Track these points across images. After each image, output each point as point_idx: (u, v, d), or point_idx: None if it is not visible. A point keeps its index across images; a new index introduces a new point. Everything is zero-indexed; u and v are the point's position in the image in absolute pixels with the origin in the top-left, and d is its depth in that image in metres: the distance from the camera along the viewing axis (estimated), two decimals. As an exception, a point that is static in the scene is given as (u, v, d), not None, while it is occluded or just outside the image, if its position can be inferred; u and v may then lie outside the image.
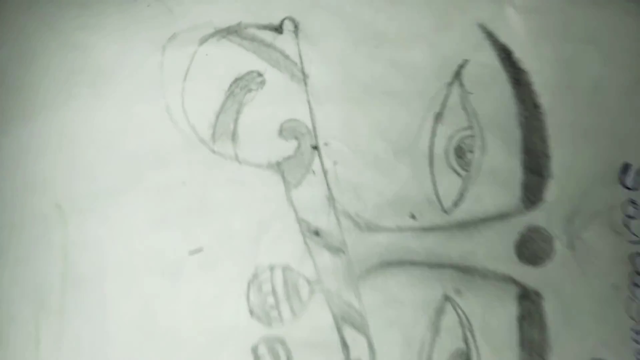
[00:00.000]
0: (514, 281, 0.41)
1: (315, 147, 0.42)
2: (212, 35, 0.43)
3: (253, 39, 0.43)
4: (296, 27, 0.43)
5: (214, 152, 0.42)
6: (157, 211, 0.41)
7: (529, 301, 0.41)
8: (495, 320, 0.41)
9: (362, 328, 0.41)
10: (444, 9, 0.42)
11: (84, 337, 0.39)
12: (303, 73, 0.42)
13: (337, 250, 0.42)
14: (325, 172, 0.42)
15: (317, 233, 0.42)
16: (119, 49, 0.42)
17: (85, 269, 0.40)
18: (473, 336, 0.41)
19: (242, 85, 0.42)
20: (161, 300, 0.40)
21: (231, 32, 0.43)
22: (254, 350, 0.41)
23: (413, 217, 0.43)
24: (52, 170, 0.41)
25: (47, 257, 0.40)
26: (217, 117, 0.43)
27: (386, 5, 0.42)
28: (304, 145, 0.42)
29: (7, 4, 0.41)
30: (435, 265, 0.42)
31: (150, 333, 0.40)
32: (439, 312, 0.42)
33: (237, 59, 0.42)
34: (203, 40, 0.42)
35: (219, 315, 0.41)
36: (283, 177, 0.42)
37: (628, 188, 0.41)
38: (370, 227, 0.42)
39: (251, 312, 0.41)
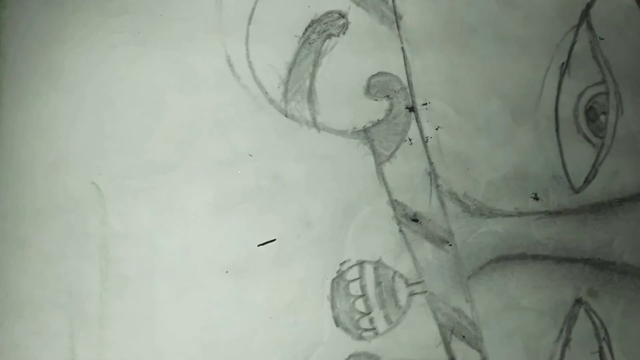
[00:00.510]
0: None
1: (412, 109, 0.36)
2: (282, -34, 0.33)
3: (333, -30, 0.35)
4: (386, -46, 0.34)
5: (286, 115, 0.32)
6: (218, 192, 0.33)
7: None
8: (637, 329, 0.36)
9: (474, 342, 0.35)
10: None
11: (128, 352, 0.29)
12: (395, 13, 0.36)
13: (441, 241, 0.35)
14: (425, 141, 0.36)
15: (415, 219, 0.35)
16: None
17: (129, 267, 0.31)
18: (610, 350, 0.37)
19: (320, 30, 0.35)
20: (224, 307, 0.33)
21: (306, -39, 0.33)
22: None
23: (536, 198, 0.37)
24: (87, 142, 0.31)
25: (83, 252, 0.31)
26: (290, 71, 0.35)
27: None
28: (398, 106, 0.36)
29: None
30: (565, 259, 0.37)
31: (210, 348, 0.33)
32: (570, 319, 0.37)
33: (314, -4, 0.33)
34: (271, -27, 0.34)
35: (296, 327, 0.32)
36: (372, 148, 0.34)
37: None
38: (483, 212, 0.36)
39: (336, 322, 0.33)
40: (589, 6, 0.38)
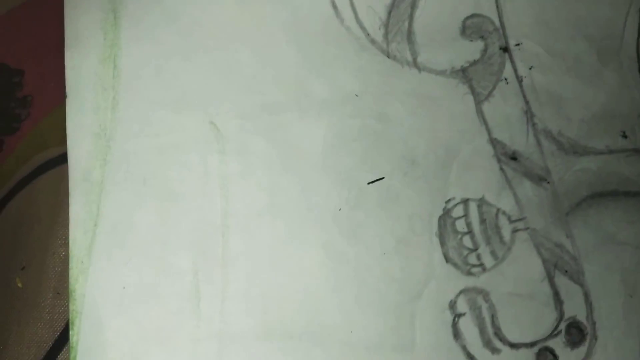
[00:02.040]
0: None
1: (506, 49, 0.36)
2: None
3: None
4: None
5: (388, 56, 0.32)
6: (328, 132, 0.32)
7: None
8: None
9: (576, 276, 0.35)
10: None
11: (251, 289, 0.29)
12: None
13: (539, 179, 0.33)
14: (519, 80, 0.36)
15: (514, 157, 0.33)
16: None
17: (248, 206, 0.30)
18: None
19: None
20: (338, 243, 0.32)
21: None
22: (452, 306, 0.31)
23: (624, 136, 0.37)
24: (203, 84, 0.31)
25: (204, 191, 0.30)
26: (389, 12, 0.34)
27: None
28: (492, 47, 0.36)
29: None
30: None
31: (327, 282, 0.33)
32: None
33: None
34: None
35: (407, 262, 0.31)
36: (471, 87, 0.33)
37: None
38: (576, 149, 0.37)
39: (446, 258, 0.32)
40: None
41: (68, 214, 0.31)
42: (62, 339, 0.31)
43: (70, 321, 0.29)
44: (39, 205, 0.34)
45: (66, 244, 0.31)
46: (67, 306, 0.31)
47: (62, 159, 0.33)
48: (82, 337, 0.29)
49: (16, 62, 0.35)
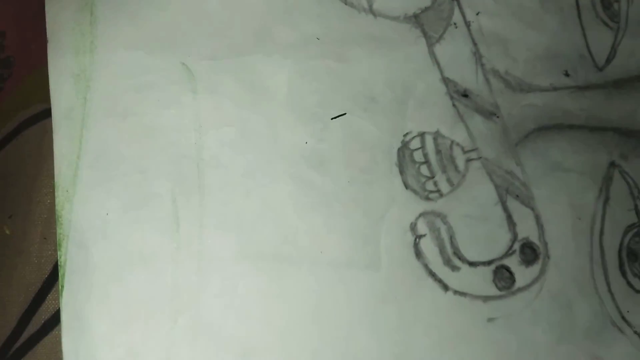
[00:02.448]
0: None
1: None
2: None
3: None
4: None
5: (346, 3, 0.36)
6: (293, 69, 0.35)
7: None
8: None
9: (527, 200, 0.38)
10: None
11: (226, 216, 0.32)
12: None
13: (489, 113, 0.36)
14: (467, 24, 0.38)
15: (465, 94, 0.36)
16: None
17: (221, 139, 0.34)
18: None
19: None
20: (306, 173, 0.35)
21: None
22: (413, 228, 0.34)
23: (567, 74, 0.40)
24: (175, 27, 0.34)
25: (179, 125, 0.33)
26: None
27: None
28: None
29: None
30: (596, 128, 0.40)
31: (296, 209, 0.35)
32: (607, 179, 0.39)
33: None
34: None
35: (370, 188, 0.34)
36: (423, 31, 0.37)
37: None
38: (523, 87, 0.40)
39: (405, 185, 0.35)
40: None
41: (51, 164, 0.33)
42: (50, 281, 0.34)
43: (57, 243, 0.32)
44: (24, 158, 0.36)
45: (50, 192, 0.34)
46: (54, 250, 0.33)
47: (45, 114, 0.36)
48: (69, 258, 0.31)
49: (-3, 24, 0.38)
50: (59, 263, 0.31)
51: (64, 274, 0.31)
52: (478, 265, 0.36)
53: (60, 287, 0.31)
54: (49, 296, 0.33)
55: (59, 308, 0.31)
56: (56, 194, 0.32)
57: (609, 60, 0.40)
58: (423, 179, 0.36)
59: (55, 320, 0.32)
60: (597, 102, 0.40)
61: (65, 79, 0.34)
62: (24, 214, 0.34)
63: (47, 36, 0.34)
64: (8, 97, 0.37)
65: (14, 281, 0.33)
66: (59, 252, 0.31)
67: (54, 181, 0.33)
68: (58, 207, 0.32)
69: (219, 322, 0.32)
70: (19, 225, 0.34)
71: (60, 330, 0.31)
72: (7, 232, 0.33)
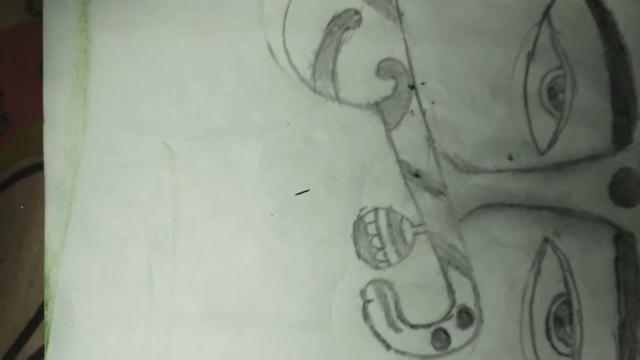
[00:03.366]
0: (609, 223, 0.41)
1: (413, 87, 0.42)
2: (310, -29, 0.42)
3: (349, -25, 0.42)
4: (390, -37, 0.43)
5: (314, 91, 0.41)
6: (263, 152, 0.40)
7: (624, 243, 0.41)
8: (592, 262, 0.41)
9: (466, 271, 0.41)
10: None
11: (195, 279, 0.37)
12: (398, 11, 0.42)
13: (437, 192, 0.41)
14: (423, 112, 0.43)
15: (417, 175, 0.41)
16: (220, -16, 0.41)
17: (195, 211, 0.39)
18: (572, 278, 0.41)
19: (340, 24, 0.42)
20: (271, 243, 0.40)
21: (329, -32, 0.42)
22: (363, 294, 0.39)
23: (510, 158, 0.43)
24: (159, 110, 0.39)
25: (158, 199, 0.38)
26: (317, 56, 0.42)
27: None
28: (402, 85, 0.43)
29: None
30: (534, 207, 0.42)
31: (260, 275, 0.40)
32: (540, 254, 0.42)
33: (335, -5, 0.40)
34: (302, -24, 0.42)
35: (327, 258, 0.40)
36: (382, 118, 0.42)
37: None
38: (469, 169, 0.42)
39: (358, 255, 0.41)
40: (549, 6, 0.42)
41: (41, 214, 0.38)
42: (35, 321, 0.38)
43: (45, 303, 0.37)
44: (15, 207, 0.40)
45: (39, 241, 0.38)
46: (40, 293, 0.37)
47: (36, 167, 0.40)
48: (54, 316, 0.36)
49: (-2, 83, 0.42)
50: (45, 321, 0.36)
51: (49, 331, 0.35)
52: (419, 327, 0.40)
53: (45, 342, 0.36)
54: (34, 334, 0.38)
55: (43, 345, 0.36)
56: (45, 257, 0.37)
57: (550, 145, 0.44)
58: (374, 250, 0.41)
59: (38, 356, 0.37)
60: (536, 184, 0.42)
61: (58, 155, 0.39)
62: (14, 259, 0.39)
63: (44, 116, 0.39)
64: (3, 150, 0.42)
65: (2, 320, 0.38)
66: (45, 312, 0.36)
67: (42, 230, 0.37)
68: (46, 270, 0.37)
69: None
70: (9, 270, 0.39)
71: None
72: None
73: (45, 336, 0.35)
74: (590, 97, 0.42)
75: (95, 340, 0.36)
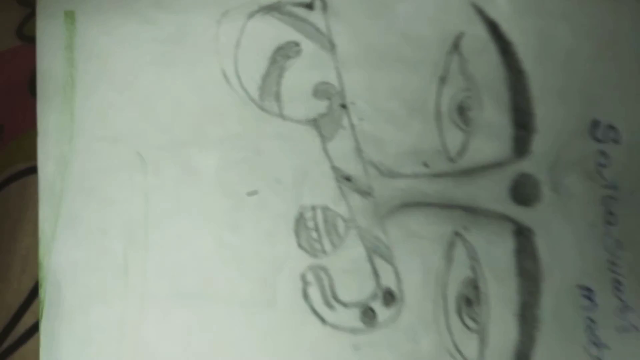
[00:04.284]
0: (510, 219, 0.44)
1: (344, 106, 0.46)
2: (257, 11, 0.50)
3: (290, 14, 0.50)
4: (325, 4, 0.51)
5: (262, 109, 0.49)
6: (220, 159, 0.48)
7: (523, 236, 0.45)
8: (496, 252, 0.44)
9: (389, 258, 0.45)
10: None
11: (165, 266, 0.46)
12: (331, 43, 0.46)
13: (365, 193, 0.46)
14: (353, 127, 0.45)
15: (348, 179, 0.47)
16: (182, 22, 0.50)
17: (165, 207, 0.47)
18: (479, 266, 0.44)
19: (283, 54, 0.47)
20: (228, 233, 0.47)
21: (273, 8, 0.50)
22: (303, 277, 0.48)
23: (426, 165, 0.45)
24: (132, 125, 0.48)
25: (132, 199, 0.46)
26: (264, 80, 0.49)
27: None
28: (335, 104, 0.46)
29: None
30: (446, 206, 0.45)
31: (221, 260, 0.47)
32: (451, 245, 0.44)
33: (278, 31, 0.47)
34: (250, 16, 0.50)
35: (273, 248, 0.48)
36: (319, 132, 0.49)
37: (599, 141, 0.45)
38: (392, 174, 0.45)
39: (299, 245, 0.48)
40: (458, 38, 0.46)
41: (32, 212, 0.45)
42: (27, 303, 0.45)
43: (39, 283, 0.45)
44: (8, 206, 0.47)
45: (29, 235, 0.45)
46: (31, 279, 0.44)
47: (27, 172, 0.47)
48: (47, 295, 0.45)
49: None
50: (39, 299, 0.44)
51: (43, 307, 0.44)
52: (350, 306, 0.46)
53: (40, 317, 0.44)
54: (25, 315, 0.45)
55: (33, 324, 0.43)
56: (39, 246, 0.45)
57: (460, 154, 0.46)
58: (312, 241, 0.48)
59: (30, 334, 0.44)
60: (448, 186, 0.45)
61: (49, 162, 0.47)
62: (7, 250, 0.46)
63: (38, 130, 0.47)
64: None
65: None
66: (40, 290, 0.44)
67: (33, 227, 0.45)
68: (40, 257, 0.45)
69: (155, 344, 0.45)
70: (3, 259, 0.46)
71: (34, 341, 0.43)
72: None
73: (40, 312, 0.43)
74: (494, 114, 0.45)
75: (80, 315, 0.44)
